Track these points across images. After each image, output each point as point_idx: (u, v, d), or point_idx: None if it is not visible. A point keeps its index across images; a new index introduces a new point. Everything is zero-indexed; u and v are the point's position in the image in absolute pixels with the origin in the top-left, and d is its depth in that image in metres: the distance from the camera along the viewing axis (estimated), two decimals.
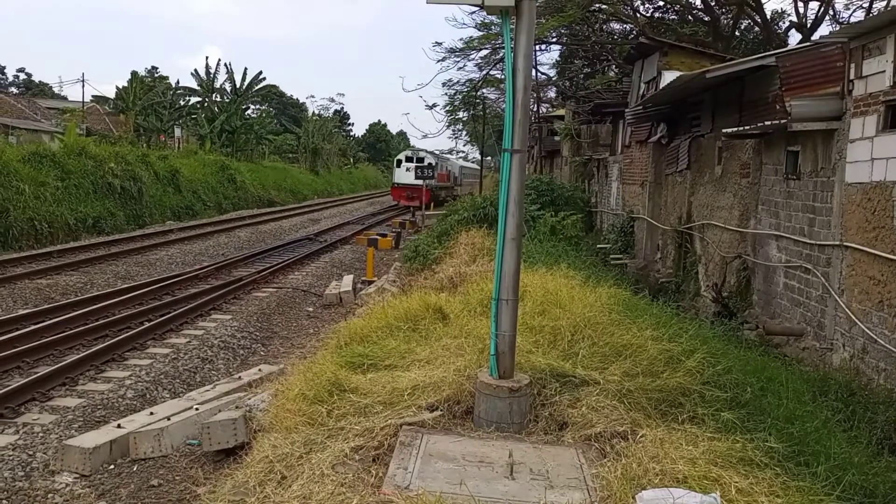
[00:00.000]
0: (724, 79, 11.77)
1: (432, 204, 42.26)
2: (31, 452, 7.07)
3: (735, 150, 12.31)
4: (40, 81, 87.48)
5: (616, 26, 32.41)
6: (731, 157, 12.49)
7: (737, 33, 28.58)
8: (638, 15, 29.65)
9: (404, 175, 45.19)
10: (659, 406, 5.52)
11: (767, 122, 10.00)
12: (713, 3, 26.76)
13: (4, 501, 6.21)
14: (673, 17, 30.32)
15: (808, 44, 11.22)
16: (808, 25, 24.97)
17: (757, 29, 28.35)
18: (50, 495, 6.35)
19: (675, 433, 4.92)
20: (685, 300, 13.07)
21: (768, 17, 26.51)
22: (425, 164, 44.13)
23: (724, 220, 12.50)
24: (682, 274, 14.56)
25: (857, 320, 8.03)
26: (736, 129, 11.28)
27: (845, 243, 8.46)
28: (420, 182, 38.31)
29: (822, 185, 9.18)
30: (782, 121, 9.42)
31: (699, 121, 14.33)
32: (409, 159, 47.23)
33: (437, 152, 54.94)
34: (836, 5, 25.55)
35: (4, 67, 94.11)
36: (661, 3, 29.51)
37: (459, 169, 61.07)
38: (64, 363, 9.58)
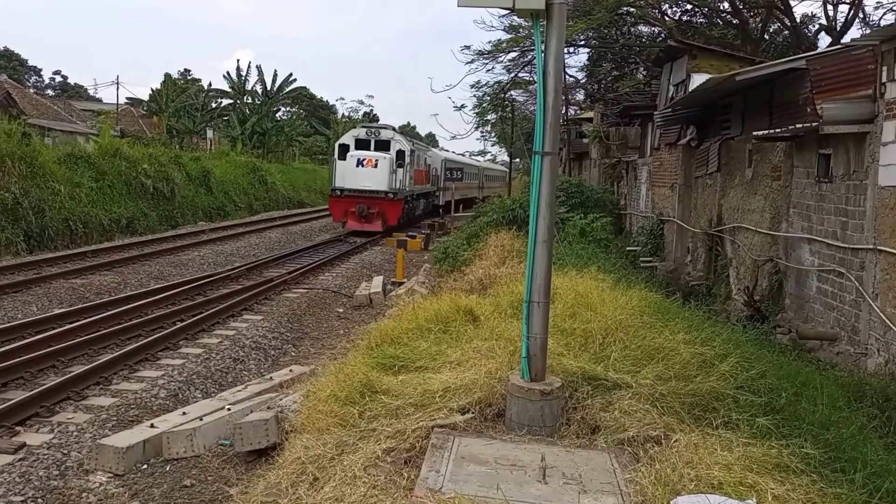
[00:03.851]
0: (754, 81, 11.67)
1: (399, 222, 28.99)
2: (65, 451, 7.13)
3: (766, 153, 12.19)
4: (76, 84, 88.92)
5: (644, 29, 32.21)
6: (762, 159, 12.36)
7: (766, 36, 28.31)
8: (666, 18, 29.47)
9: (353, 174, 27.73)
10: (692, 410, 5.47)
11: (798, 125, 9.90)
12: (742, 7, 26.51)
13: (40, 500, 6.26)
14: (701, 20, 30.06)
15: (838, 46, 11.11)
16: (838, 28, 24.68)
17: (786, 32, 28.01)
18: (84, 494, 6.38)
19: (709, 438, 4.87)
20: (716, 303, 12.96)
21: (797, 20, 26.25)
22: (391, 150, 28.67)
23: (755, 223, 12.38)
24: (713, 277, 14.44)
25: (891, 325, 7.92)
26: (766, 131, 11.18)
27: (879, 247, 8.34)
28: (382, 186, 27.29)
29: (854, 188, 9.06)
30: (813, 124, 9.32)
31: (729, 123, 14.21)
32: (362, 143, 29.04)
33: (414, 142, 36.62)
34: (866, 8, 25.26)
35: (41, 70, 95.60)
36: (690, 7, 29.28)
37: (443, 163, 40.94)
38: (98, 362, 9.69)
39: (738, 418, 5.30)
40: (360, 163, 27.94)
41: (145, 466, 6.91)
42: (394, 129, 30.96)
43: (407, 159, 29.27)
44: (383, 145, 28.90)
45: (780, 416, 5.41)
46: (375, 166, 27.79)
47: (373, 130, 29.83)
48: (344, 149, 29.08)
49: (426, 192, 36.52)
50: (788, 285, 11.12)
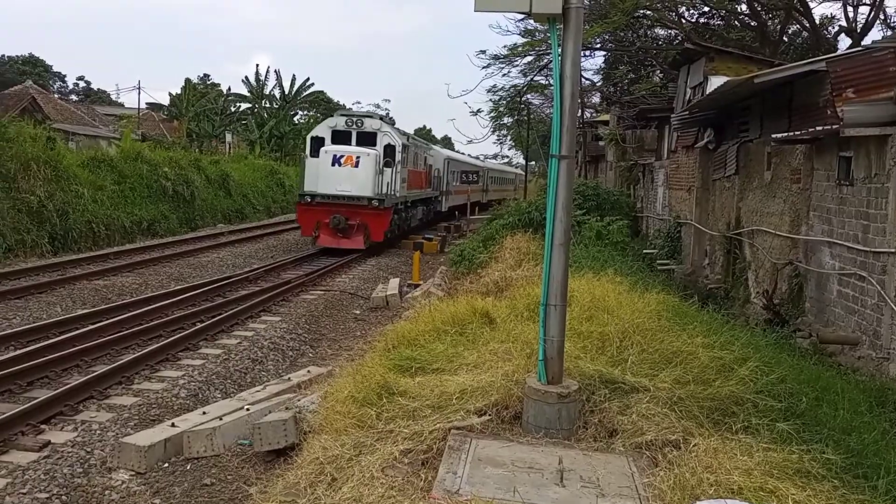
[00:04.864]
0: (773, 84, 11.60)
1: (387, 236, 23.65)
2: (89, 449, 7.23)
3: (785, 156, 12.11)
4: (98, 89, 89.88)
5: (661, 32, 32.07)
6: (781, 162, 12.28)
7: (785, 38, 28.08)
8: (683, 20, 29.32)
9: (328, 175, 22.19)
10: (711, 415, 5.44)
11: (818, 128, 9.82)
12: (760, 9, 26.34)
13: (64, 497, 6.34)
14: (719, 22, 29.90)
15: (859, 48, 11.02)
16: (858, 30, 24.46)
17: (805, 34, 27.80)
18: (107, 492, 6.48)
19: (728, 443, 4.84)
20: (735, 307, 12.87)
21: (817, 21, 26.03)
22: (378, 145, 23.23)
23: (774, 226, 12.30)
24: (732, 280, 14.35)
25: None
26: (786, 134, 11.10)
27: None
28: (365, 191, 21.88)
29: (876, 191, 8.98)
30: (834, 126, 9.25)
31: (747, 126, 14.13)
32: (340, 135, 23.46)
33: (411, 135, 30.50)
34: (887, 9, 25.04)
35: (65, 76, 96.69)
36: (707, 9, 29.11)
37: (446, 163, 35.64)
38: (120, 362, 9.81)
39: (757, 423, 5.26)
40: (336, 160, 22.22)
41: (166, 465, 7.01)
42: (382, 117, 25.53)
43: (398, 157, 23.50)
44: (368, 138, 23.32)
45: (801, 421, 5.38)
46: (356, 165, 22.15)
47: (354, 119, 23.87)
48: (317, 143, 23.40)
49: (425, 197, 30.82)
50: (808, 289, 11.03)
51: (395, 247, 26.11)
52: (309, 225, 22.62)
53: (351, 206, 22.02)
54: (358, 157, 22.30)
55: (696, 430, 5.16)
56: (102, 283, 16.20)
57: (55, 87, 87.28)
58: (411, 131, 33.83)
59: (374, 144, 23.23)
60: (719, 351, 6.45)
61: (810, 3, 25.09)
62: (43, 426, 7.74)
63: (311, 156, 23.31)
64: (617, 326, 7.01)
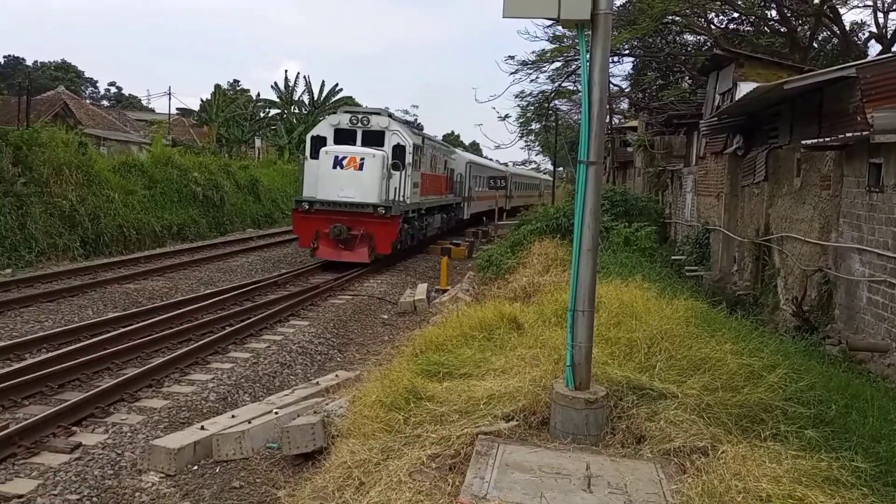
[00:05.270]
0: (803, 90, 11.50)
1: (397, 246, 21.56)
2: (119, 451, 7.33)
3: (814, 162, 11.99)
4: (130, 95, 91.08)
5: (690, 38, 31.85)
6: (811, 168, 12.17)
7: (814, 44, 27.78)
8: (712, 26, 29.12)
9: (328, 179, 20.05)
10: (740, 422, 5.41)
11: (848, 134, 9.73)
12: (790, 15, 26.11)
13: (95, 499, 6.43)
14: (748, 28, 29.63)
15: (889, 55, 10.91)
16: (889, 36, 24.16)
17: (835, 40, 27.48)
18: (137, 494, 6.56)
19: (757, 450, 4.82)
20: (764, 314, 12.77)
21: (847, 28, 25.74)
22: (386, 145, 20.99)
23: (803, 232, 12.18)
24: (760, 287, 14.23)
25: None
26: (815, 140, 11.00)
27: None
28: (369, 197, 19.69)
29: None
30: (864, 132, 9.16)
31: (776, 132, 14.01)
32: (343, 134, 21.23)
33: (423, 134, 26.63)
34: None
35: (97, 82, 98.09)
36: (736, 15, 28.88)
37: (468, 167, 33.76)
38: (150, 365, 9.96)
39: (786, 430, 5.23)
40: (338, 162, 20.05)
41: (196, 467, 7.07)
42: (391, 115, 22.60)
43: (409, 158, 21.24)
44: (374, 138, 21.03)
45: (830, 429, 5.34)
46: (360, 168, 19.93)
47: (359, 117, 21.42)
48: (318, 143, 21.21)
49: (445, 204, 28.60)
50: (838, 296, 10.91)
51: (422, 252, 26.12)
52: (306, 235, 20.24)
53: (354, 214, 19.84)
54: (362, 159, 20.06)
55: (724, 436, 5.14)
56: (133, 286, 16.42)
57: (87, 92, 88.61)
58: (439, 136, 32.89)
59: (382, 144, 21.00)
60: (748, 358, 6.42)
61: (840, 10, 24.84)
62: (74, 428, 7.87)
63: (311, 157, 21.20)
64: (645, 332, 6.99)
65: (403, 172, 20.96)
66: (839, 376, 6.90)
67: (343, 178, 19.85)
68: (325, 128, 21.93)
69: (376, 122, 21.26)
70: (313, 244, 19.94)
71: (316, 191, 20.25)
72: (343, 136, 21.15)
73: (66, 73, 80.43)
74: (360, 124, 21.22)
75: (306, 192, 20.80)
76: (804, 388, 5.88)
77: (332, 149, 20.50)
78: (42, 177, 19.61)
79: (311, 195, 20.42)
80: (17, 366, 9.69)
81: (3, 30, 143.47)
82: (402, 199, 20.82)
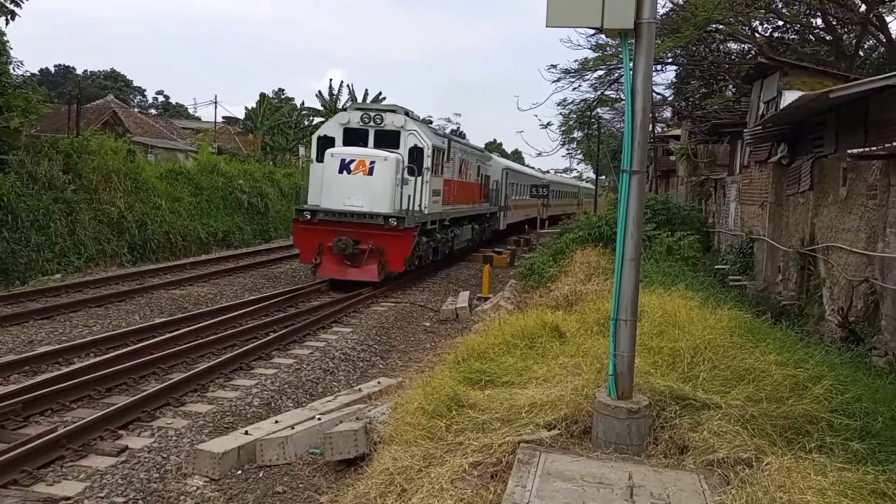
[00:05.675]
0: (849, 98, 11.33)
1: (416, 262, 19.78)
2: (164, 455, 7.44)
3: (861, 172, 11.79)
4: (177, 103, 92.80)
5: (733, 46, 31.48)
6: (857, 178, 11.96)
7: (860, 53, 27.27)
8: (757, 35, 28.75)
9: (334, 185, 17.82)
10: (784, 433, 5.35)
11: (895, 144, 9.56)
12: (835, 23, 25.67)
13: (140, 502, 6.54)
14: (793, 36, 29.20)
15: None
16: None
17: (882, 48, 26.94)
18: (182, 497, 6.64)
19: (802, 462, 4.76)
20: (809, 324, 12.56)
21: (894, 36, 25.20)
22: (402, 146, 18.69)
23: (849, 242, 11.97)
24: (805, 297, 14.00)
25: None
26: (861, 149, 10.82)
27: None
28: (380, 206, 17.50)
29: None
30: None
31: (822, 141, 13.80)
32: (353, 134, 18.92)
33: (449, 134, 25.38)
34: None
35: (145, 90, 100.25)
36: (781, 23, 28.48)
37: (504, 174, 31.46)
38: (195, 370, 10.10)
39: (832, 442, 5.17)
40: (344, 166, 17.64)
41: (239, 472, 7.15)
42: (407, 112, 19.59)
43: (427, 162, 18.74)
44: (388, 139, 18.67)
45: (877, 441, 5.25)
46: (370, 173, 17.62)
47: (372, 115, 18.99)
48: (325, 144, 18.81)
49: (478, 213, 26.24)
50: (885, 307, 10.69)
51: (465, 259, 26.13)
52: (308, 248, 17.92)
53: (362, 225, 17.51)
54: (372, 163, 17.67)
55: (768, 448, 5.09)
56: (179, 292, 16.72)
57: (135, 101, 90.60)
58: (481, 144, 31.92)
59: (397, 146, 18.64)
60: (793, 368, 6.34)
61: (887, 18, 24.35)
62: (121, 431, 8.00)
63: (317, 160, 18.85)
64: (688, 342, 6.94)
65: (421, 178, 18.54)
66: (886, 388, 6.76)
67: (350, 185, 17.62)
68: (333, 127, 19.54)
69: (391, 121, 18.90)
70: (315, 259, 17.80)
71: (320, 199, 18.13)
72: (353, 137, 18.87)
73: (114, 82, 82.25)
74: (372, 123, 18.86)
75: (310, 200, 18.64)
76: (850, 399, 5.79)
77: (338, 151, 18.16)
78: (91, 184, 20.09)
79: (314, 203, 18.28)
80: (65, 369, 9.90)
81: (54, 39, 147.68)
82: (418, 208, 18.47)
